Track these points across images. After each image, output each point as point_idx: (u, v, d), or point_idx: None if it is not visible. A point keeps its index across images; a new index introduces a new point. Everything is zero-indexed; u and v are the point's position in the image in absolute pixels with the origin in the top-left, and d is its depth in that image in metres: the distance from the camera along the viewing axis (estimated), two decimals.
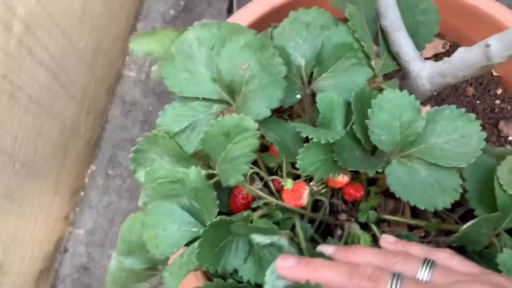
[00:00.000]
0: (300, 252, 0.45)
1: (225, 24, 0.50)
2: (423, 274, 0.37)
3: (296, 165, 0.42)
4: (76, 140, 1.07)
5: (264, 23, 0.65)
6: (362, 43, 0.45)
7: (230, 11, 1.14)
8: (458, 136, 0.44)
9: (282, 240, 0.42)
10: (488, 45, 0.44)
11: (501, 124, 0.69)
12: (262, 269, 0.40)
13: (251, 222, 0.44)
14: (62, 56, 0.93)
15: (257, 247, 0.42)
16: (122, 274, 0.48)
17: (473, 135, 0.44)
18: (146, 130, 1.23)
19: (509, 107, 0.70)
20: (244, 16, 0.65)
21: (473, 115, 0.44)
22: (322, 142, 0.41)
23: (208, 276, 0.49)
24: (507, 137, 0.69)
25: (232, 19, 0.66)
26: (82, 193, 1.15)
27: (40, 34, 0.84)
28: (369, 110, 0.44)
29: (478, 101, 0.70)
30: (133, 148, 0.45)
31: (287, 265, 0.39)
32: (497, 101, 0.71)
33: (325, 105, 0.44)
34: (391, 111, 0.44)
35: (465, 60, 0.46)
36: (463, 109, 0.45)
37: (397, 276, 0.36)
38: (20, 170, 0.88)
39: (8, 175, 0.85)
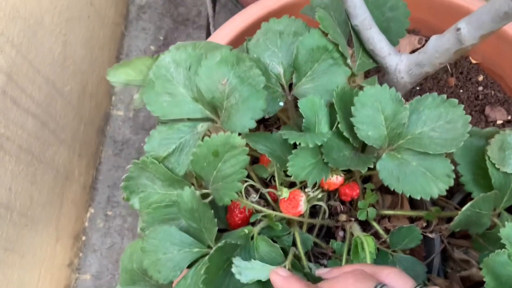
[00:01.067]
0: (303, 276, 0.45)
1: (201, 43, 0.51)
2: None
3: (288, 172, 0.42)
4: (71, 185, 1.06)
5: (241, 40, 0.66)
6: (335, 42, 0.45)
7: None
8: (443, 122, 0.44)
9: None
10: (458, 29, 0.45)
11: (487, 110, 0.70)
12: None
13: (252, 238, 0.43)
14: (48, 102, 0.94)
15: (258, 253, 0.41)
16: None
17: (458, 119, 0.44)
18: None
19: (492, 92, 0.71)
20: (220, 37, 0.66)
21: (455, 100, 0.45)
22: (310, 146, 0.41)
23: None
24: (495, 121, 0.69)
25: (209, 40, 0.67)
26: (83, 238, 1.14)
27: (23, 83, 0.85)
28: (352, 107, 0.44)
29: (461, 90, 0.71)
30: (124, 176, 0.45)
31: (282, 274, 0.40)
32: (480, 88, 0.71)
33: (307, 109, 0.44)
34: (373, 106, 0.44)
35: (439, 47, 0.47)
36: (445, 96, 0.45)
37: (379, 284, 0.37)
38: (19, 221, 0.88)
39: (7, 226, 0.84)
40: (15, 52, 0.82)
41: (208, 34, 1.15)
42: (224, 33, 0.64)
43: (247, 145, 0.44)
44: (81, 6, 1.03)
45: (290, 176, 0.47)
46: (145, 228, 0.43)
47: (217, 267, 0.40)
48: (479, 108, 0.70)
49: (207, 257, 0.40)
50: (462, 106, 0.44)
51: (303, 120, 0.44)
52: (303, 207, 0.45)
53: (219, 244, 0.40)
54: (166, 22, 1.29)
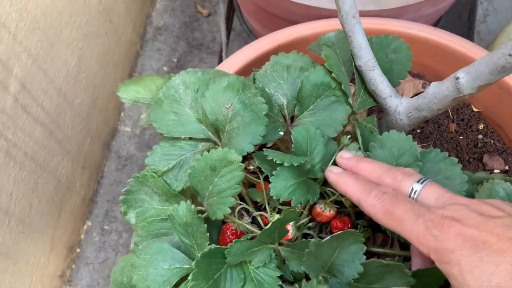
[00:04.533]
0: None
1: (210, 70, 0.53)
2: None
3: (270, 193, 0.43)
4: (71, 196, 1.08)
5: (249, 71, 0.68)
6: (339, 81, 0.47)
7: None
8: (442, 177, 0.46)
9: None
10: (457, 78, 0.46)
11: (485, 158, 0.71)
12: None
13: None
14: (57, 113, 0.96)
15: (253, 271, 0.42)
16: None
17: (456, 177, 0.46)
18: None
19: (491, 141, 0.72)
20: (230, 66, 0.68)
21: (455, 159, 0.46)
22: (286, 164, 0.42)
23: None
24: (493, 170, 0.70)
25: (219, 68, 0.69)
26: (78, 250, 1.14)
27: (35, 92, 0.87)
28: (371, 143, 0.46)
29: (461, 137, 0.73)
30: (124, 190, 0.46)
31: (346, 156, 0.46)
32: (480, 136, 0.73)
33: (300, 137, 0.45)
34: (391, 150, 0.46)
35: (438, 93, 0.48)
36: (446, 153, 0.47)
37: (423, 178, 0.41)
38: (16, 227, 0.89)
39: (4, 232, 0.85)
40: (31, 62, 0.85)
41: (221, 60, 1.18)
42: (233, 62, 0.67)
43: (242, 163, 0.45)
44: (99, 22, 1.06)
45: (284, 204, 0.48)
46: (138, 242, 0.44)
47: (205, 274, 0.41)
48: (478, 156, 0.71)
49: (193, 263, 0.40)
50: (460, 166, 0.46)
51: (292, 145, 0.46)
52: (292, 232, 0.46)
53: (205, 250, 0.41)
54: (181, 45, 1.32)
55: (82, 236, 1.16)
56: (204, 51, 1.32)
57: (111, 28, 1.13)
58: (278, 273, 0.43)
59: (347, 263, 0.42)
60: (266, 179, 0.47)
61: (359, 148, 0.47)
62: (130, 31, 1.23)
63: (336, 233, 0.41)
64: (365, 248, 0.41)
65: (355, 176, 0.44)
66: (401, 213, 0.38)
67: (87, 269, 1.14)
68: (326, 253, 0.42)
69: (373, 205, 0.40)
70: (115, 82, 1.20)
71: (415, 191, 0.41)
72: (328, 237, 0.41)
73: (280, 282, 0.43)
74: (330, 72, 0.49)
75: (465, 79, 0.46)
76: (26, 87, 0.85)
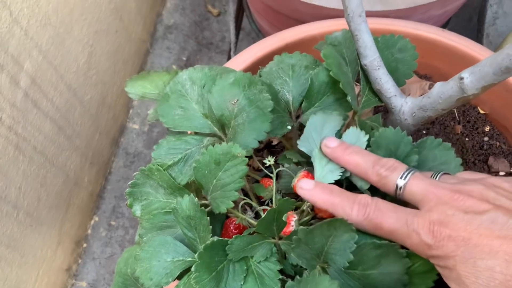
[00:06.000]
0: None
1: (217, 67, 0.54)
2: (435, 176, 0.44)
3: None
4: (79, 191, 1.09)
5: (257, 69, 0.69)
6: (337, 79, 0.47)
7: None
8: (439, 163, 0.47)
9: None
10: (461, 78, 0.46)
11: (491, 160, 0.71)
12: (264, 286, 0.42)
13: None
14: (67, 108, 0.97)
15: (254, 265, 0.43)
16: None
17: (451, 161, 0.47)
18: None
19: (497, 143, 0.72)
20: (238, 63, 0.69)
21: (449, 144, 0.47)
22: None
23: None
24: (498, 172, 0.70)
25: (227, 65, 0.70)
26: (84, 245, 1.15)
27: (46, 87, 0.89)
28: (368, 149, 0.46)
29: (467, 138, 0.73)
30: (129, 183, 0.47)
31: (331, 145, 0.46)
32: (486, 138, 0.73)
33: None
34: (388, 147, 0.46)
35: (442, 93, 0.49)
36: (440, 139, 0.48)
37: (410, 169, 0.42)
38: (24, 220, 0.90)
39: (12, 224, 0.86)
40: (41, 58, 0.86)
41: (229, 59, 1.19)
42: (241, 60, 0.67)
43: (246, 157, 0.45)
44: (110, 20, 1.08)
45: None
46: (143, 235, 0.45)
47: (208, 266, 0.41)
48: (483, 158, 0.71)
49: (196, 254, 0.41)
50: (453, 149, 0.47)
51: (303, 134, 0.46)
52: (294, 227, 0.46)
53: (208, 242, 0.42)
54: (190, 43, 1.33)
55: (89, 231, 1.17)
56: (214, 50, 1.33)
57: (122, 26, 1.14)
58: (279, 267, 0.43)
59: (339, 252, 0.42)
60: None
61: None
62: (141, 29, 1.25)
63: (325, 220, 0.42)
64: (356, 237, 0.41)
65: (328, 189, 0.44)
66: (391, 226, 0.40)
67: (93, 264, 1.15)
68: (318, 242, 0.42)
69: (358, 222, 0.41)
70: (124, 80, 1.21)
71: (400, 188, 0.41)
72: (317, 224, 0.41)
73: (280, 276, 0.43)
74: (328, 70, 0.49)
75: (470, 79, 0.46)
76: (36, 82, 0.86)
